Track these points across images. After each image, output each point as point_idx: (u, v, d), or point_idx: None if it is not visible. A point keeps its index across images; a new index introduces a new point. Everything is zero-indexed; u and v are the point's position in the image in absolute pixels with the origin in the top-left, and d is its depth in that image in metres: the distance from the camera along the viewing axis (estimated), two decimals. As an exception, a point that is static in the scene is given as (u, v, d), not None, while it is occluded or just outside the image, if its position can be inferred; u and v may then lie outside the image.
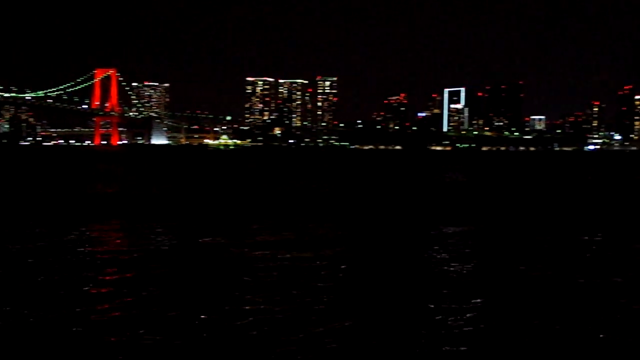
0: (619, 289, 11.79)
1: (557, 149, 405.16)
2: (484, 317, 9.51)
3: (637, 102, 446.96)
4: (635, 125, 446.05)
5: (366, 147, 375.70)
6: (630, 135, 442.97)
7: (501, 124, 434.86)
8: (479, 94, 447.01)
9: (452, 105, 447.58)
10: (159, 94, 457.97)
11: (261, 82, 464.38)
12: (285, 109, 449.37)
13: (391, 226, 20.89)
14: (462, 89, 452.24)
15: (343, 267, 13.56)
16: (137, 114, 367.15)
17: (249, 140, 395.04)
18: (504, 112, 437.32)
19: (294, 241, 17.01)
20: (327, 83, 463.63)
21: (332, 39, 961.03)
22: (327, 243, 16.73)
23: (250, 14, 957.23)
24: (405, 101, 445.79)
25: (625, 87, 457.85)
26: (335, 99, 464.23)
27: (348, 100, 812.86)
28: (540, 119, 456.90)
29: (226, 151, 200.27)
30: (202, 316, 9.41)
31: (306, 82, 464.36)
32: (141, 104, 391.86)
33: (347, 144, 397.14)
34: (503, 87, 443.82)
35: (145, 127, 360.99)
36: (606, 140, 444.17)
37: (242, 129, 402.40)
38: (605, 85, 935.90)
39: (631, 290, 11.62)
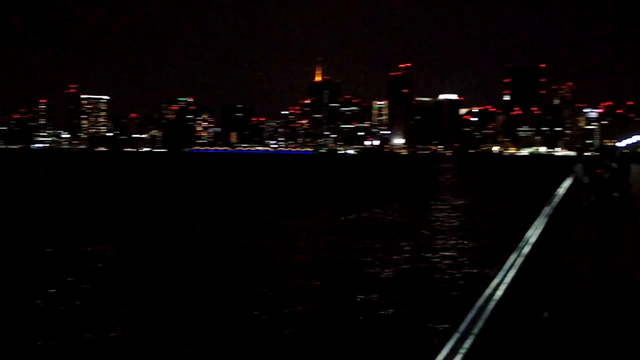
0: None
1: (3, 147, 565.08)
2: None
3: (84, 102, 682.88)
4: (83, 124, 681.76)
5: None
6: (79, 134, 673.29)
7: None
8: None
9: None
10: None
11: None
12: None
13: None
14: None
15: None
16: None
17: None
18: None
19: None
20: None
21: None
22: None
23: None
24: None
25: (70, 86, 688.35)
26: None
27: None
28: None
29: None
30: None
31: None
32: None
33: None
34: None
35: None
36: (55, 138, 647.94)
37: None
38: (53, 83, 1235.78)
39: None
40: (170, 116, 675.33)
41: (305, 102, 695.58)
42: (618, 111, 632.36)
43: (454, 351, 3.05)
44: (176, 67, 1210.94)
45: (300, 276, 21.14)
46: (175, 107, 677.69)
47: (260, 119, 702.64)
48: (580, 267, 11.05)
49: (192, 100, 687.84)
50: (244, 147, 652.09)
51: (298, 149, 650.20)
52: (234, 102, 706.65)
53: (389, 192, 66.57)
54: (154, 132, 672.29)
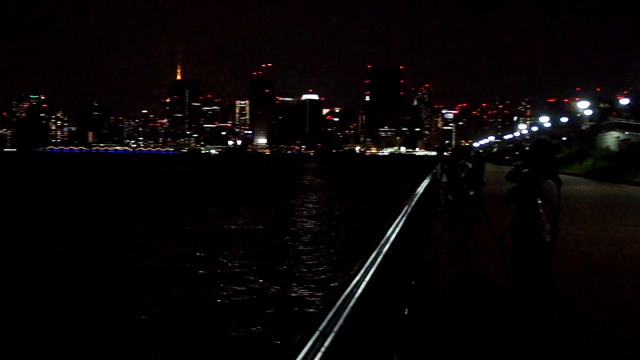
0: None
1: None
2: None
3: None
4: None
5: None
6: None
7: None
8: None
9: None
10: None
11: None
12: None
13: None
14: None
15: None
16: None
17: None
18: None
19: None
20: None
21: None
22: None
23: None
24: None
25: None
26: None
27: None
28: None
29: None
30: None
31: None
32: None
33: None
34: None
35: None
36: None
37: None
38: None
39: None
40: (21, 114, 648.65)
41: (166, 100, 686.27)
42: (473, 112, 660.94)
43: (314, 350, 3.12)
44: (26, 63, 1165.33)
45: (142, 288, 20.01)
46: (26, 104, 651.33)
47: (119, 117, 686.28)
48: (438, 265, 11.39)
49: (44, 98, 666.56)
50: (102, 147, 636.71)
51: (159, 149, 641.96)
52: (91, 100, 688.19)
53: (252, 192, 65.98)
54: (3, 130, 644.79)
